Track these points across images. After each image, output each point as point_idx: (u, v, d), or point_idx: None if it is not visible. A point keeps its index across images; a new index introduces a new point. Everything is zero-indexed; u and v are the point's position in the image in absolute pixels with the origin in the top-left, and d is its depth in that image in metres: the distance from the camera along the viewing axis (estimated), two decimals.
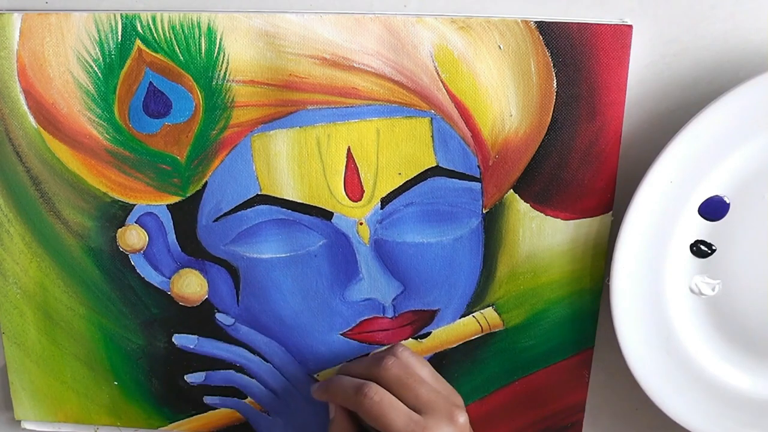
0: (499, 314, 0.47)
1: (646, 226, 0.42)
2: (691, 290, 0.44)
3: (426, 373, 0.43)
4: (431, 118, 0.43)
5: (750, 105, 0.39)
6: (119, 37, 0.42)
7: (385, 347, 0.45)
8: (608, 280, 0.44)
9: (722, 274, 0.44)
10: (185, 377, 0.50)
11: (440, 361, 0.49)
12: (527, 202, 0.45)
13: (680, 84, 0.43)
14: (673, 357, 0.45)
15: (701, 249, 0.43)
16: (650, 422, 0.51)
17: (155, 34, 0.42)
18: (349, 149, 0.44)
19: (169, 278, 0.47)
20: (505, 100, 0.42)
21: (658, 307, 0.44)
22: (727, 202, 0.42)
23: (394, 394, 0.41)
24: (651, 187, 0.41)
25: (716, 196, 0.42)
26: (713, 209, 0.42)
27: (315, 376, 0.49)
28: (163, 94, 0.43)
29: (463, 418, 0.40)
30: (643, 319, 0.44)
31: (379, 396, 0.40)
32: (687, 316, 0.45)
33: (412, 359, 0.43)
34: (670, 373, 0.45)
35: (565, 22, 0.41)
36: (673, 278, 0.44)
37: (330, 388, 0.43)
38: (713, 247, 0.43)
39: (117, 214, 0.46)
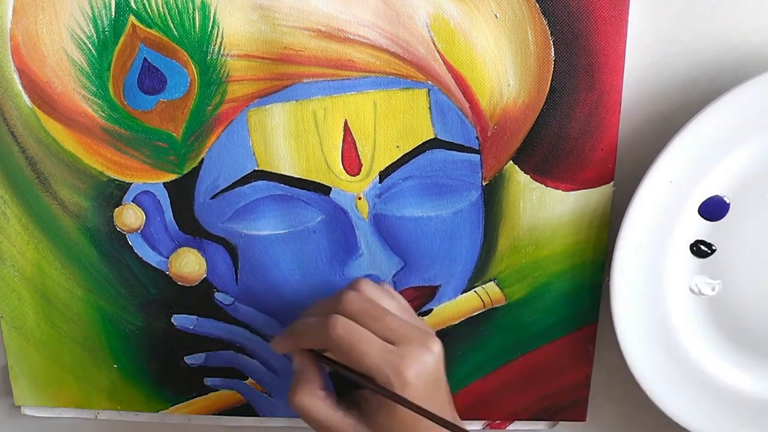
0: (501, 289, 0.47)
1: (646, 226, 0.42)
2: (691, 290, 0.44)
3: (393, 305, 0.41)
4: (428, 90, 0.43)
5: (750, 105, 0.39)
6: (113, 14, 0.42)
7: (349, 284, 0.42)
8: (608, 280, 0.43)
9: (722, 274, 0.44)
10: (185, 358, 0.49)
11: (443, 339, 0.48)
12: (527, 174, 0.44)
13: (680, 84, 0.43)
14: (673, 357, 0.45)
15: (701, 249, 0.43)
16: (650, 422, 0.51)
17: (149, 10, 0.41)
18: (346, 122, 0.43)
19: (167, 258, 0.47)
20: (503, 70, 0.42)
21: (658, 307, 0.44)
22: (727, 202, 0.42)
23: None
24: (651, 187, 0.41)
25: (716, 196, 0.42)
26: (713, 209, 0.42)
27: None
28: (158, 70, 0.43)
29: (437, 346, 0.38)
30: (643, 319, 0.44)
31: (348, 328, 0.37)
32: (687, 316, 0.45)
33: (376, 291, 0.40)
34: (670, 373, 0.45)
35: None
36: (673, 278, 0.44)
37: (293, 332, 0.40)
38: (713, 247, 0.43)
39: (113, 193, 0.45)
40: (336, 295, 0.40)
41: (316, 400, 0.39)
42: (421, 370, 0.37)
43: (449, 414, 0.40)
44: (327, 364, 0.40)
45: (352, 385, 0.40)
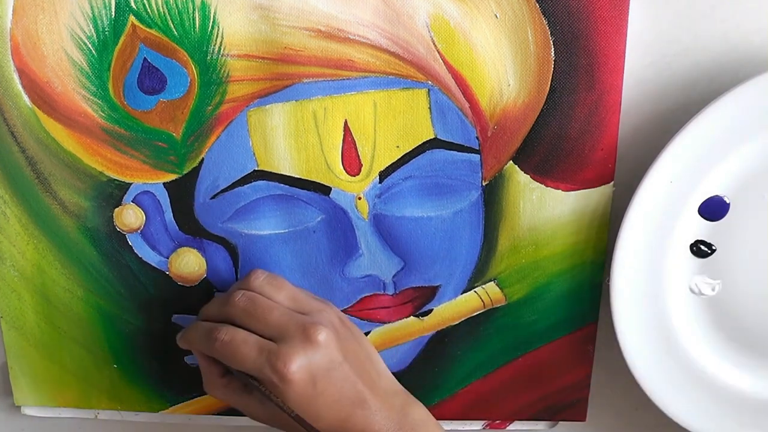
0: (501, 289, 0.47)
1: (646, 226, 0.42)
2: (691, 290, 0.44)
3: (283, 295, 0.41)
4: (428, 90, 0.43)
5: (750, 105, 0.39)
6: (113, 13, 0.42)
7: (241, 278, 0.43)
8: (608, 280, 0.43)
9: (722, 274, 0.44)
10: (185, 358, 0.49)
11: (443, 339, 0.48)
12: (527, 174, 0.44)
13: (680, 84, 0.43)
14: (673, 357, 0.45)
15: (701, 249, 0.43)
16: (650, 422, 0.51)
17: (149, 10, 0.41)
18: (346, 122, 0.43)
19: (167, 258, 0.47)
20: (503, 70, 0.42)
21: (658, 307, 0.44)
22: (727, 202, 0.42)
23: (246, 329, 0.39)
24: (651, 187, 0.41)
25: (716, 196, 0.42)
26: (713, 209, 0.42)
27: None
28: (158, 70, 0.43)
29: (322, 334, 0.38)
30: (643, 319, 0.44)
31: (229, 335, 0.38)
32: (687, 316, 0.45)
33: (264, 285, 0.41)
34: (670, 373, 0.45)
35: None
36: (673, 278, 0.44)
37: (187, 337, 0.42)
38: (713, 247, 0.43)
39: (113, 193, 0.45)
40: (228, 292, 0.42)
41: (221, 388, 0.42)
42: (303, 363, 0.37)
43: (372, 397, 0.39)
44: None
45: None
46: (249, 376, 0.39)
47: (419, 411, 0.40)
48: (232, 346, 0.38)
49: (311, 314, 0.40)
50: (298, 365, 0.37)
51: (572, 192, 0.45)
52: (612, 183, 0.44)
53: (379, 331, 0.48)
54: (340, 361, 0.39)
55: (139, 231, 0.46)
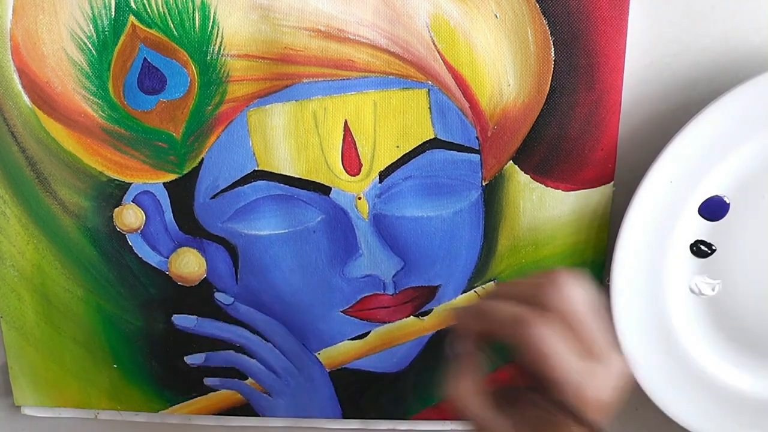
0: None
1: (646, 226, 0.42)
2: (691, 290, 0.44)
3: (593, 312, 0.33)
4: (428, 90, 0.43)
5: (750, 105, 0.39)
6: (113, 13, 0.42)
7: (553, 274, 0.34)
8: (608, 280, 0.43)
9: (722, 274, 0.44)
10: (185, 359, 0.49)
11: (443, 339, 0.48)
12: (527, 174, 0.44)
13: (680, 84, 0.43)
14: (673, 357, 0.45)
15: (701, 249, 0.43)
16: (650, 422, 0.50)
17: (149, 10, 0.41)
18: (346, 122, 0.43)
19: (167, 258, 0.47)
20: (503, 70, 0.42)
21: (658, 307, 0.44)
22: (727, 202, 0.42)
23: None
24: (651, 187, 0.41)
25: (716, 196, 0.42)
26: (713, 209, 0.42)
27: (316, 354, 0.49)
28: (158, 69, 0.43)
29: (626, 366, 0.33)
30: (643, 319, 0.44)
31: (547, 332, 0.31)
32: (687, 316, 0.45)
33: (582, 294, 0.33)
34: (670, 373, 0.45)
35: None
36: (673, 278, 0.44)
37: (486, 312, 0.34)
38: (713, 247, 0.43)
39: (113, 193, 0.45)
40: (538, 283, 0.34)
41: (473, 394, 0.35)
42: (613, 393, 0.32)
43: None
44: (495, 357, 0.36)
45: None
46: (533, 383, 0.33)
47: None
48: (548, 345, 0.31)
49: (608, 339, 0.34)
50: (612, 397, 0.32)
51: (572, 192, 0.45)
52: (612, 183, 0.44)
53: (379, 331, 0.48)
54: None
55: (139, 231, 0.46)
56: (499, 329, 0.34)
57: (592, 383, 0.32)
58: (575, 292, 0.33)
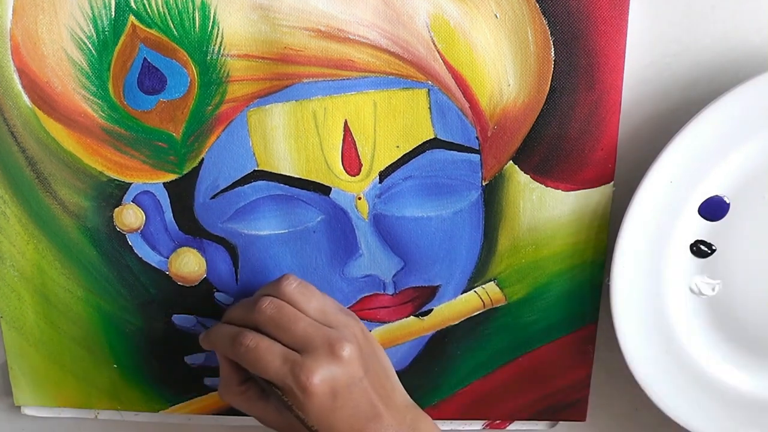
0: (501, 289, 0.47)
1: (646, 226, 0.42)
2: (691, 290, 0.44)
3: (312, 306, 0.41)
4: (428, 90, 0.43)
5: (750, 105, 0.39)
6: (113, 13, 0.42)
7: (272, 281, 0.42)
8: (608, 280, 0.43)
9: (722, 274, 0.44)
10: (185, 359, 0.49)
11: (442, 339, 0.49)
12: (527, 174, 0.44)
13: (680, 84, 0.43)
14: (673, 357, 0.45)
15: (701, 249, 0.43)
16: (650, 422, 0.51)
17: (149, 9, 0.41)
18: (346, 122, 0.43)
19: (167, 258, 0.47)
20: (503, 70, 0.42)
21: (658, 307, 0.44)
22: (727, 202, 0.42)
23: (271, 337, 0.39)
24: (651, 187, 0.41)
25: (716, 196, 0.42)
26: (713, 209, 0.42)
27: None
28: (158, 70, 0.43)
29: (347, 350, 0.38)
30: (643, 319, 0.44)
31: (254, 342, 0.39)
32: (687, 316, 0.45)
33: (295, 293, 0.41)
34: (670, 373, 0.45)
35: None
36: (673, 278, 0.44)
37: (211, 338, 0.42)
38: (713, 247, 0.43)
39: (113, 193, 0.45)
40: (256, 297, 0.41)
41: (238, 395, 0.41)
42: (326, 377, 0.37)
43: (386, 411, 0.39)
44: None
45: None
46: (269, 383, 0.39)
47: (428, 425, 0.40)
48: (257, 353, 0.38)
49: (337, 328, 0.40)
50: (321, 379, 0.37)
51: (572, 192, 0.45)
52: (612, 183, 0.44)
53: (379, 331, 0.48)
54: (361, 376, 0.39)
55: (139, 231, 0.46)
56: (224, 350, 0.41)
57: (301, 371, 0.37)
58: (281, 293, 0.41)
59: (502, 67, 0.42)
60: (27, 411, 0.53)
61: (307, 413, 0.38)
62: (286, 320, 0.39)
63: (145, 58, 0.42)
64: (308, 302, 0.41)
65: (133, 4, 0.41)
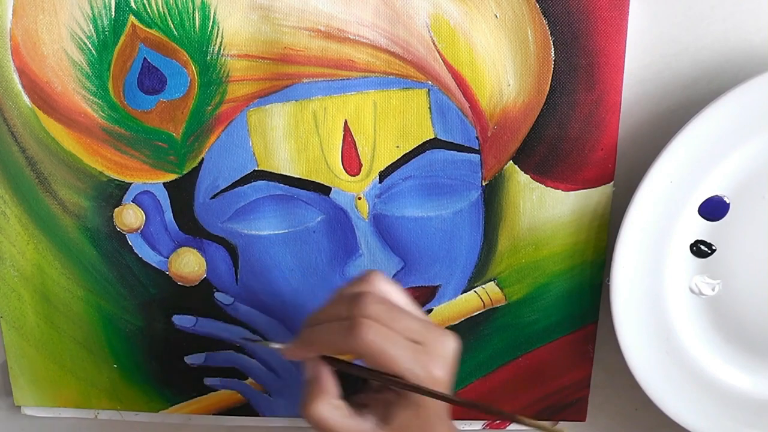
0: (501, 289, 0.47)
1: (646, 226, 0.42)
2: (691, 290, 0.44)
3: (404, 301, 0.38)
4: (428, 90, 0.43)
5: (750, 105, 0.39)
6: (113, 13, 0.42)
7: (353, 280, 0.39)
8: (608, 280, 0.43)
9: (722, 274, 0.44)
10: (185, 359, 0.49)
11: None
12: (527, 174, 0.44)
13: (680, 84, 0.43)
14: (673, 357, 0.45)
15: (701, 249, 0.43)
16: (650, 422, 0.51)
17: (149, 10, 0.41)
18: (345, 122, 0.43)
19: (167, 258, 0.47)
20: (503, 70, 0.42)
21: (658, 307, 0.44)
22: (727, 202, 0.42)
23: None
24: (651, 187, 0.41)
25: (716, 196, 0.42)
26: (713, 209, 0.42)
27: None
28: (158, 69, 0.43)
29: (455, 344, 0.37)
30: (643, 319, 0.44)
31: (374, 331, 0.35)
32: (687, 316, 0.45)
33: (388, 287, 0.38)
34: (670, 373, 0.45)
35: None
36: (673, 278, 0.44)
37: (310, 339, 0.37)
38: (713, 247, 0.43)
39: (113, 193, 0.45)
40: (345, 295, 0.38)
41: (333, 410, 0.37)
42: (447, 366, 0.36)
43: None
44: (343, 369, 0.39)
45: (353, 387, 0.40)
46: (382, 376, 0.36)
47: None
48: (382, 344, 0.35)
49: (429, 319, 0.39)
50: (443, 368, 0.36)
51: (572, 192, 0.45)
52: (612, 183, 0.44)
53: None
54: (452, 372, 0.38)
55: (139, 231, 0.46)
56: (331, 348, 0.37)
57: (425, 364, 0.35)
58: (383, 286, 0.38)
59: (502, 67, 0.42)
60: (27, 411, 0.53)
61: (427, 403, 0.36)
62: (398, 313, 0.36)
63: (145, 58, 0.42)
64: (401, 296, 0.39)
65: (133, 4, 0.41)
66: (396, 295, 0.38)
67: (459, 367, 0.49)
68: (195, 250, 0.47)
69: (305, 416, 0.37)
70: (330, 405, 0.37)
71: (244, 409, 0.50)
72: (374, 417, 0.37)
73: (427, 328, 0.37)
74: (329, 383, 0.38)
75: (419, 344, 0.36)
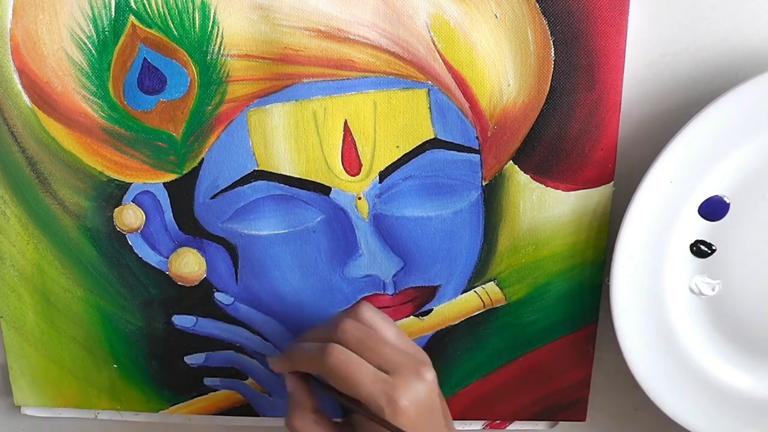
0: (501, 289, 0.47)
1: (646, 226, 0.42)
2: (691, 290, 0.44)
3: (391, 333, 0.41)
4: (428, 90, 0.43)
5: (750, 105, 0.39)
6: (113, 13, 0.42)
7: (346, 308, 0.43)
8: (608, 280, 0.43)
9: (722, 274, 0.44)
10: (185, 358, 0.49)
11: (442, 339, 0.48)
12: (527, 174, 0.44)
13: (680, 84, 0.43)
14: (673, 357, 0.45)
15: (701, 249, 0.43)
16: (650, 422, 0.51)
17: (149, 9, 0.41)
18: (346, 122, 0.43)
19: (167, 257, 0.47)
20: (503, 70, 0.42)
21: (658, 307, 0.44)
22: (727, 202, 0.42)
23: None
24: (651, 187, 0.41)
25: (716, 196, 0.42)
26: (713, 209, 0.42)
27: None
28: (158, 69, 0.43)
29: (430, 374, 0.38)
30: (643, 319, 0.44)
31: (344, 355, 0.38)
32: (687, 316, 0.45)
33: (375, 318, 0.41)
34: (670, 373, 0.45)
35: None
36: (673, 278, 0.44)
37: (291, 355, 0.41)
38: (713, 247, 0.43)
39: (113, 193, 0.45)
40: (334, 320, 0.41)
41: (308, 424, 0.40)
42: (412, 398, 0.37)
43: None
44: (320, 389, 0.41)
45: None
46: (350, 401, 0.39)
47: None
48: (349, 366, 0.38)
49: (415, 354, 0.40)
50: (410, 400, 0.37)
51: (572, 192, 0.45)
52: (612, 183, 0.44)
53: None
54: (438, 402, 0.39)
55: (139, 231, 0.46)
56: (306, 366, 0.40)
57: (388, 392, 0.37)
58: (368, 315, 0.40)
59: (502, 67, 0.42)
60: (27, 411, 0.53)
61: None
62: (374, 342, 0.39)
63: (145, 58, 0.42)
64: (388, 328, 0.41)
65: (133, 4, 0.41)
66: (381, 324, 0.40)
67: (459, 367, 0.49)
68: (195, 250, 0.47)
69: (287, 428, 0.41)
70: (304, 419, 0.41)
71: (244, 409, 0.51)
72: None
73: (403, 359, 0.38)
74: (305, 398, 0.41)
75: (388, 373, 0.38)
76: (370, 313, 0.41)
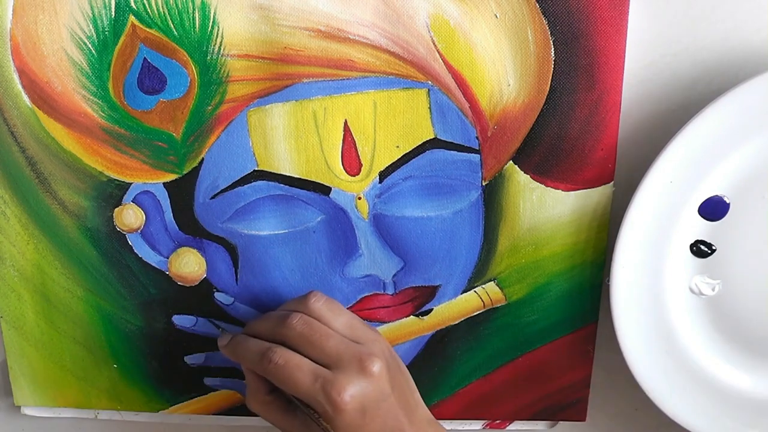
0: (501, 289, 0.47)
1: (646, 226, 0.42)
2: (691, 290, 0.44)
3: (340, 322, 0.41)
4: (428, 90, 0.43)
5: (750, 105, 0.39)
6: (113, 13, 0.42)
7: (297, 298, 0.42)
8: (608, 280, 0.43)
9: (722, 274, 0.44)
10: (185, 358, 0.49)
11: (442, 339, 0.49)
12: (527, 174, 0.44)
13: (680, 84, 0.43)
14: (673, 357, 0.45)
15: (701, 249, 0.43)
16: (650, 422, 0.51)
17: (149, 9, 0.41)
18: (346, 122, 0.43)
19: (167, 258, 0.47)
20: (503, 70, 0.42)
21: (658, 307, 0.44)
22: (727, 202, 0.42)
23: (301, 353, 0.39)
24: (651, 187, 0.41)
25: (716, 196, 0.42)
26: (713, 209, 0.42)
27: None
28: (158, 69, 0.43)
29: (377, 366, 0.38)
30: (643, 319, 0.44)
31: (283, 359, 0.38)
32: (687, 316, 0.45)
33: (323, 309, 0.41)
34: (670, 373, 0.45)
35: None
36: (673, 278, 0.44)
37: (236, 351, 0.42)
38: (713, 247, 0.43)
39: (113, 193, 0.45)
40: (283, 313, 0.41)
41: (261, 405, 0.41)
42: (355, 393, 0.37)
43: (410, 427, 0.40)
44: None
45: None
46: (297, 399, 0.39)
47: None
48: (287, 370, 0.38)
49: (366, 344, 0.40)
50: (352, 395, 0.37)
51: (572, 192, 0.45)
52: (612, 183, 0.44)
53: (378, 331, 0.48)
54: (389, 393, 0.39)
55: (139, 231, 0.46)
56: (251, 365, 0.40)
57: (327, 389, 0.37)
58: (316, 307, 0.41)
59: (502, 67, 0.42)
60: (27, 411, 0.53)
61: (336, 429, 0.37)
62: (317, 336, 0.39)
63: (145, 58, 0.42)
64: (336, 318, 0.41)
65: (133, 4, 0.41)
66: (329, 315, 0.41)
67: (459, 367, 0.49)
68: (195, 250, 0.47)
69: (247, 404, 0.42)
70: (258, 401, 0.41)
71: (244, 409, 0.50)
72: (298, 420, 0.40)
73: (345, 353, 0.38)
74: (258, 382, 0.41)
75: (330, 368, 0.38)
76: (318, 304, 0.41)
